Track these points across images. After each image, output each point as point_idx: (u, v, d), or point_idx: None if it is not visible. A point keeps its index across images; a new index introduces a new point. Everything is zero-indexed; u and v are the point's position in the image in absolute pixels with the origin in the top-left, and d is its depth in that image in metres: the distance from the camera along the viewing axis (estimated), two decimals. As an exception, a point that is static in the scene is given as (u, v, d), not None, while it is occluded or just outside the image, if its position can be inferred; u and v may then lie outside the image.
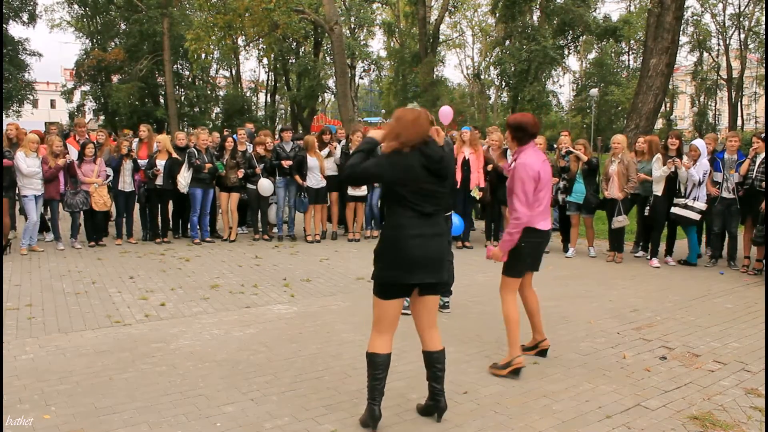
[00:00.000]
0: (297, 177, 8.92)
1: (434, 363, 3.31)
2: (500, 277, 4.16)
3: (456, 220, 6.02)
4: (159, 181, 8.71)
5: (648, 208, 7.80)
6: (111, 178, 8.60)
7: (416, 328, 3.37)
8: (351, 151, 8.94)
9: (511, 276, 4.10)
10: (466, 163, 8.56)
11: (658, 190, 7.64)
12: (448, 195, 3.33)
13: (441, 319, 5.22)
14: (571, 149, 8.14)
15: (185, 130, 16.64)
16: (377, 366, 3.21)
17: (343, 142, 9.70)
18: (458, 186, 8.35)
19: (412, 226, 3.14)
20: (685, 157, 7.53)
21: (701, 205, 7.39)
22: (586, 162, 7.96)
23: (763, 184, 7.08)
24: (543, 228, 4.05)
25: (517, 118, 4.16)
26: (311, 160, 8.89)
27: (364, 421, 3.29)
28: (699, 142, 7.78)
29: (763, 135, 7.55)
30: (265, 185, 8.90)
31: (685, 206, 7.41)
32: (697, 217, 7.42)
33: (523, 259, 4.06)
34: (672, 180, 7.60)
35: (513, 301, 4.07)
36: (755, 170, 7.25)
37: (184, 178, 8.66)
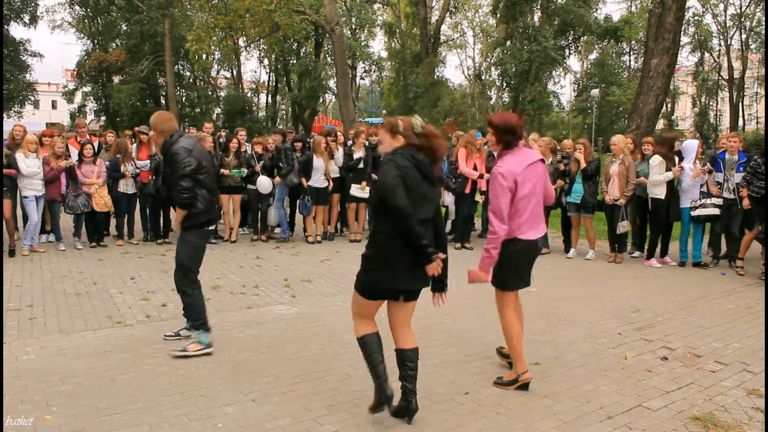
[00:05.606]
0: (303, 179, 8.92)
1: (406, 361, 3.28)
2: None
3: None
4: None
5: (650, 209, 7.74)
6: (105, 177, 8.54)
7: (389, 324, 3.35)
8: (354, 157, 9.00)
9: (505, 290, 3.82)
10: (474, 169, 8.65)
11: (659, 193, 7.60)
12: (438, 199, 3.26)
13: (443, 319, 5.24)
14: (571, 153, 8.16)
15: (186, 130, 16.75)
16: (371, 345, 3.24)
17: (350, 143, 9.66)
18: (467, 190, 8.61)
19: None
20: (695, 162, 7.54)
21: (717, 200, 7.47)
22: (583, 169, 7.99)
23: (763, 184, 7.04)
24: (528, 237, 3.69)
25: (504, 118, 3.73)
26: (317, 161, 8.89)
27: (375, 405, 3.27)
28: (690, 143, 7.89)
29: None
30: (264, 183, 8.89)
31: (703, 206, 7.45)
32: (718, 211, 7.47)
33: (510, 270, 3.76)
34: (671, 182, 7.63)
35: (512, 316, 3.81)
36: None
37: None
